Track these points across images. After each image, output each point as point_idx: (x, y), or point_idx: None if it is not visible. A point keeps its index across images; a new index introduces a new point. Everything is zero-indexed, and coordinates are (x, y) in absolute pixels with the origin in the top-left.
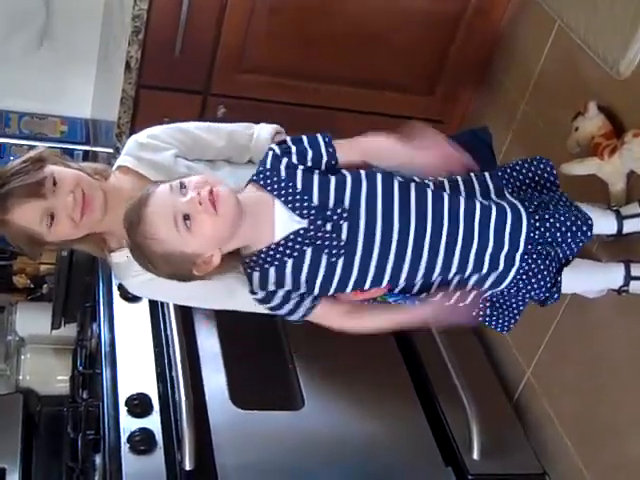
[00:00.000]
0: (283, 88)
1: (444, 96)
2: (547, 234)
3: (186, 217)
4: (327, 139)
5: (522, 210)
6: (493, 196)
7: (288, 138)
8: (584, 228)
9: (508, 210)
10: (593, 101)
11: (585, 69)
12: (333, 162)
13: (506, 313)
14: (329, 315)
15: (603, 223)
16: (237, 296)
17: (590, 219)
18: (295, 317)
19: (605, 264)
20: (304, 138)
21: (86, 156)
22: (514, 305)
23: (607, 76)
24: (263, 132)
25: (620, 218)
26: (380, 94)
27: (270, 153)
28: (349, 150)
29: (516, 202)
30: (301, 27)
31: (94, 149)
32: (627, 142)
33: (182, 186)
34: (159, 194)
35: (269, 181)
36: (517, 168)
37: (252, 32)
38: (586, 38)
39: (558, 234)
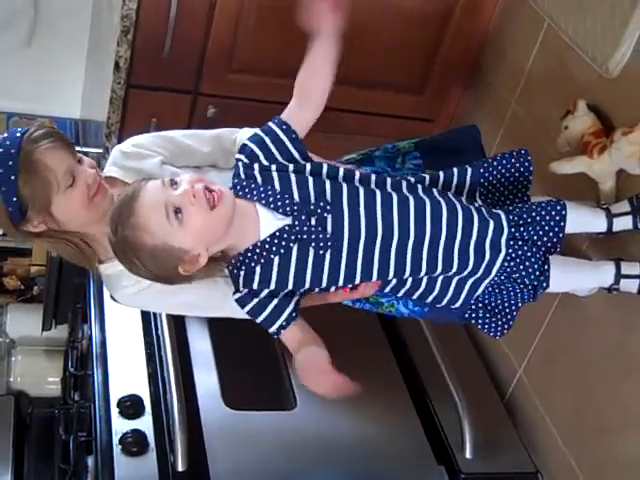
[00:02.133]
0: (273, 87)
1: (434, 95)
2: (524, 215)
3: (177, 210)
4: (284, 126)
5: (502, 215)
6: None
7: (249, 142)
8: (557, 205)
9: (490, 221)
10: (582, 100)
11: (574, 68)
12: (304, 154)
13: (499, 317)
14: (295, 338)
15: (593, 221)
16: (230, 304)
17: (561, 200)
18: (273, 327)
19: (596, 262)
20: (265, 138)
21: None
22: (507, 310)
23: (596, 75)
24: (246, 136)
25: (610, 216)
26: (370, 93)
27: (240, 164)
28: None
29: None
30: (290, 26)
31: (83, 149)
32: (616, 141)
33: (173, 182)
34: (151, 188)
35: (247, 189)
36: (500, 162)
37: (241, 31)
38: (575, 37)
39: (533, 214)
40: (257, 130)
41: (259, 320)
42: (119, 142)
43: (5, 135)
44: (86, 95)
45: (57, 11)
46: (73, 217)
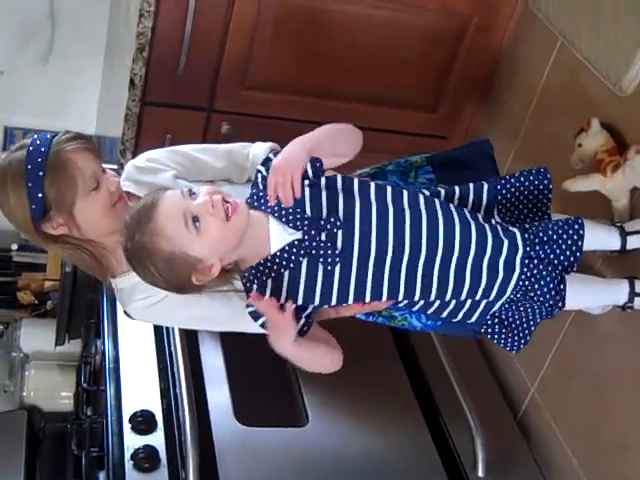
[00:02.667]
0: (287, 104)
1: (447, 113)
2: (540, 234)
3: (195, 219)
4: None
5: (517, 233)
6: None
7: (271, 155)
8: (575, 224)
9: (505, 240)
10: (596, 118)
11: (588, 86)
12: (320, 173)
13: (516, 332)
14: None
15: (607, 239)
16: (242, 318)
17: (580, 218)
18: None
19: (609, 280)
20: None
21: None
22: (525, 325)
23: (610, 93)
24: (258, 151)
25: (624, 234)
26: (384, 110)
27: (259, 175)
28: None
29: (514, 229)
30: (305, 44)
31: None
32: (630, 159)
33: (191, 192)
34: (170, 196)
35: (262, 200)
36: (518, 179)
37: (256, 49)
38: (589, 55)
39: (550, 232)
40: (269, 144)
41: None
42: (133, 158)
43: (36, 136)
44: (101, 111)
45: (74, 29)
46: (93, 223)
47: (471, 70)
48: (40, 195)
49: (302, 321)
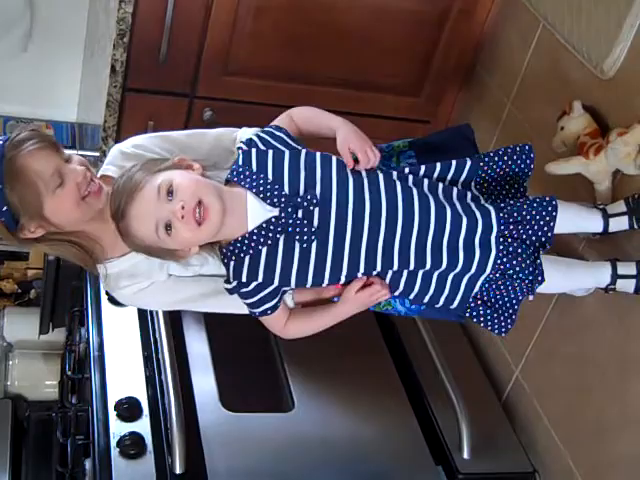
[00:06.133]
0: (269, 90)
1: (430, 97)
2: (515, 214)
3: (168, 225)
4: (282, 129)
5: (492, 211)
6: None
7: (249, 134)
8: (548, 205)
9: (478, 215)
10: (578, 101)
11: (570, 69)
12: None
13: (500, 312)
14: (280, 320)
15: (589, 222)
16: (227, 298)
17: (554, 199)
18: (258, 310)
19: (592, 263)
20: (262, 134)
21: None
22: (508, 305)
23: (592, 76)
24: (245, 135)
25: (606, 216)
26: (366, 95)
27: (240, 152)
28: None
29: (488, 207)
30: (286, 28)
31: (80, 153)
32: (612, 141)
33: (169, 193)
34: (146, 196)
35: (242, 176)
36: (502, 158)
37: (238, 34)
38: (570, 38)
39: (524, 213)
40: (256, 129)
41: (248, 302)
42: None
43: None
44: (83, 98)
45: (53, 15)
46: (67, 217)
47: (454, 54)
48: (5, 208)
49: (278, 298)
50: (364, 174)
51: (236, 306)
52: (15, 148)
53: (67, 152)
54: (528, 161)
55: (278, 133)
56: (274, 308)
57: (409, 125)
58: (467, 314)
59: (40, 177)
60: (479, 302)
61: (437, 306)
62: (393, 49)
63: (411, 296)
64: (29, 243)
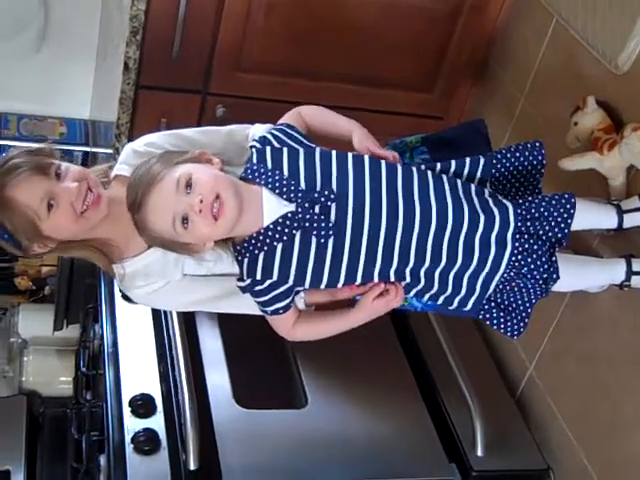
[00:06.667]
0: (281, 86)
1: (443, 93)
2: (532, 210)
3: (185, 219)
4: (293, 127)
5: (510, 207)
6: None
7: (262, 132)
8: (567, 203)
9: (496, 212)
10: (592, 96)
11: (583, 64)
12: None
13: (514, 315)
14: (289, 321)
15: (604, 218)
16: (241, 298)
17: (572, 196)
18: (270, 308)
19: (606, 260)
20: (275, 131)
21: (86, 157)
22: (521, 307)
23: (605, 71)
24: (258, 131)
25: (620, 212)
26: (379, 91)
27: (254, 150)
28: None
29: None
30: (299, 25)
31: (93, 150)
32: (626, 136)
33: (188, 185)
34: (164, 188)
35: (257, 174)
36: (514, 154)
37: (250, 31)
38: (584, 33)
39: (542, 209)
40: (269, 126)
41: (261, 300)
42: (129, 142)
43: None
44: (96, 96)
45: (67, 14)
46: (68, 234)
47: (467, 49)
48: (6, 236)
49: (291, 298)
50: (384, 172)
51: (250, 306)
52: (2, 177)
53: (63, 165)
54: (540, 157)
55: (291, 131)
56: (286, 308)
57: (422, 121)
58: (480, 316)
59: (29, 207)
60: (492, 304)
61: (451, 308)
62: (405, 45)
63: (426, 297)
64: (44, 255)
